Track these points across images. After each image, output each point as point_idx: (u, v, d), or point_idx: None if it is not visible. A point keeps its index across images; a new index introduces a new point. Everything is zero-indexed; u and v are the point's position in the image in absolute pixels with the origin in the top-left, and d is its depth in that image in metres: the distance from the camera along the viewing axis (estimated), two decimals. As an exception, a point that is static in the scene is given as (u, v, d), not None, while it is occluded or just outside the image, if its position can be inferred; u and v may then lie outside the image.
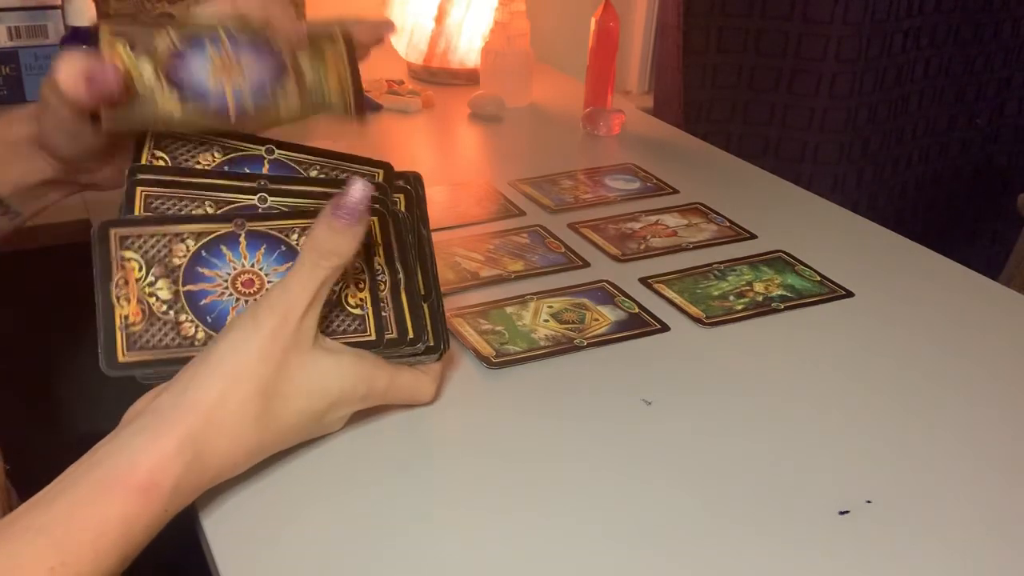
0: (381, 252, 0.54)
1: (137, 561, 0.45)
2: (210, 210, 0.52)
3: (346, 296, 0.53)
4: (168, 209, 0.51)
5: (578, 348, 0.66)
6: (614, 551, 0.49)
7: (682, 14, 1.44)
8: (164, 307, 0.50)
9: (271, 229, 0.53)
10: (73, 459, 0.45)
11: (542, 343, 0.66)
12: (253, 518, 0.50)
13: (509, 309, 0.70)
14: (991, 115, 1.82)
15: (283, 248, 0.53)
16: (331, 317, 0.53)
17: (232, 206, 0.52)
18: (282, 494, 0.52)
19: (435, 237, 0.80)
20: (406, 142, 1.08)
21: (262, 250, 0.52)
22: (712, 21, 1.49)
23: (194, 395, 0.47)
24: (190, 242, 0.51)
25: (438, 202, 0.89)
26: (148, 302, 0.50)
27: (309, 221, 0.52)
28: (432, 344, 0.56)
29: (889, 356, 0.67)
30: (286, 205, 0.53)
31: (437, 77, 1.25)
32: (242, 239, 0.52)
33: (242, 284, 0.53)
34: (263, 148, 0.53)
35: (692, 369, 0.65)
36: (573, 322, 0.69)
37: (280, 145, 0.55)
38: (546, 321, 0.69)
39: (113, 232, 0.50)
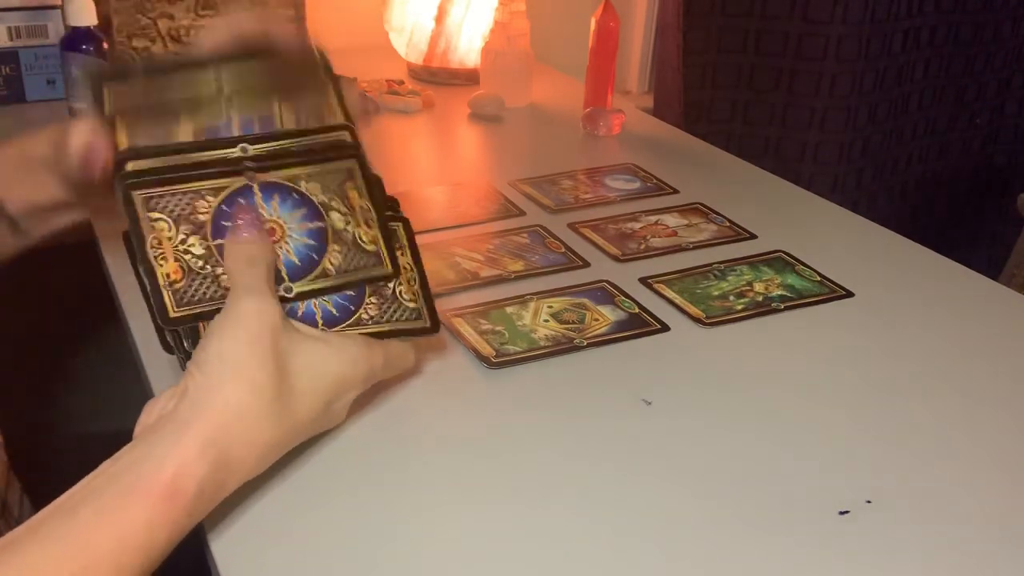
0: (408, 252, 0.57)
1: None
2: (211, 198, 0.52)
3: (401, 292, 0.56)
4: (168, 206, 0.52)
5: (578, 348, 0.66)
6: (614, 550, 0.49)
7: (682, 14, 1.44)
8: (200, 262, 0.52)
9: (281, 179, 0.54)
10: (76, 455, 0.45)
11: (542, 343, 0.66)
12: (257, 528, 0.50)
13: (509, 309, 0.70)
14: (991, 115, 1.82)
15: (295, 196, 0.54)
16: (392, 310, 0.56)
17: (227, 190, 0.53)
18: (283, 500, 0.52)
19: (435, 237, 0.81)
20: (406, 142, 1.08)
21: (276, 199, 0.54)
22: (712, 21, 1.49)
23: (211, 399, 0.47)
24: (210, 198, 0.52)
25: (438, 202, 0.89)
26: (184, 259, 0.51)
27: (313, 167, 0.54)
28: (429, 325, 0.59)
29: (889, 356, 0.67)
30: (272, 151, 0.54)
31: (437, 77, 1.25)
32: (256, 190, 0.53)
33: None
34: (244, 180, 0.53)
35: (692, 369, 0.65)
36: (573, 322, 0.69)
37: (258, 163, 0.54)
38: (546, 321, 0.69)
39: (136, 195, 0.51)
